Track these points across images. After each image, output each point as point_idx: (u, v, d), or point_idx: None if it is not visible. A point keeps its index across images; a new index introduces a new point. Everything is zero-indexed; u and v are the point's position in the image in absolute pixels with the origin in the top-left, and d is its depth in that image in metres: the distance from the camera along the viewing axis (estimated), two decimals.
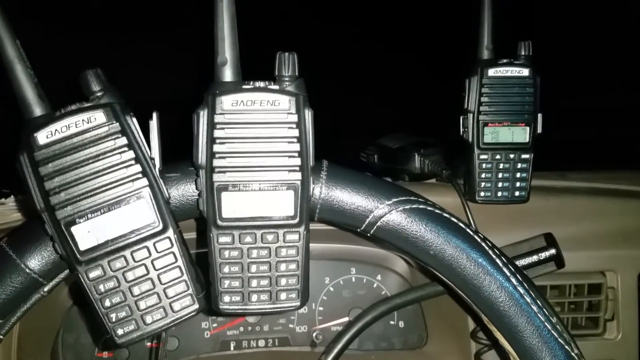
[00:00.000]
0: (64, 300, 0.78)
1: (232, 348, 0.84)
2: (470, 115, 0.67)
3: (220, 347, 0.84)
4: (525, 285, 0.44)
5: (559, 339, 0.43)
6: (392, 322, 0.86)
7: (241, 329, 0.84)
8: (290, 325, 0.85)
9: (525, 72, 0.66)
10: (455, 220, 0.44)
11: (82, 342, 0.81)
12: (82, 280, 0.38)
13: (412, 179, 0.80)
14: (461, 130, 0.68)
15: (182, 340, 0.81)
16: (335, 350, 0.66)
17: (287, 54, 0.40)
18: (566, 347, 0.43)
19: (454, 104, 0.71)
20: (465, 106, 0.67)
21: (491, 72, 0.66)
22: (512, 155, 0.67)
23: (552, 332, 0.43)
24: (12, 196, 0.77)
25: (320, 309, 0.85)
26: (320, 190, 0.43)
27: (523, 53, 0.66)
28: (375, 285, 0.86)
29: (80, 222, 0.37)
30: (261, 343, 0.85)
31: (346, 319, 0.84)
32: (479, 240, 0.44)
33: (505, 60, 0.66)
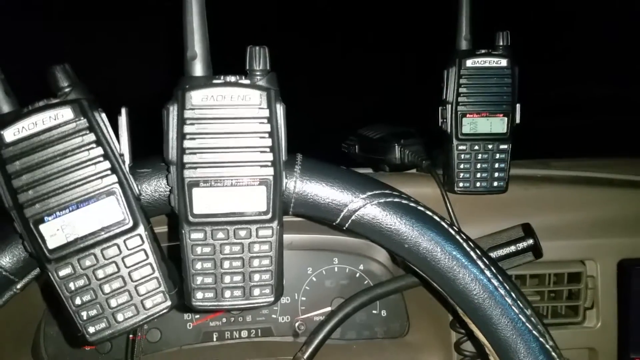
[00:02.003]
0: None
1: (214, 339, 0.84)
2: (449, 106, 0.67)
3: (203, 338, 0.84)
4: (500, 277, 0.44)
5: (534, 331, 0.43)
6: (374, 312, 0.86)
7: (224, 320, 0.84)
8: (273, 316, 0.85)
9: (503, 62, 0.66)
10: (430, 213, 0.44)
11: (64, 333, 0.80)
12: (52, 279, 0.38)
13: (392, 169, 0.80)
14: (440, 120, 0.68)
15: (165, 332, 0.81)
16: (317, 341, 0.66)
17: (258, 47, 0.39)
18: (540, 339, 0.43)
19: (433, 95, 0.71)
20: (444, 97, 0.67)
21: (469, 62, 0.65)
22: (490, 146, 0.68)
23: (527, 324, 0.43)
24: None
25: (303, 299, 0.86)
26: (295, 184, 0.43)
27: (501, 43, 0.66)
28: (357, 275, 0.86)
29: (48, 220, 0.37)
30: (244, 334, 0.85)
31: (329, 308, 0.85)
32: (453, 233, 0.44)
33: (483, 51, 0.66)
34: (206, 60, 0.39)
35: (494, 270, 0.44)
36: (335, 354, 0.80)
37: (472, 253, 0.44)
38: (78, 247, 0.37)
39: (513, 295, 0.44)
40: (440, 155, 0.72)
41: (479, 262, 0.44)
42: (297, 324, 0.84)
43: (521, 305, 0.44)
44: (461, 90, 0.66)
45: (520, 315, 0.44)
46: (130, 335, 0.81)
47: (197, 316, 0.83)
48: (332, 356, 0.77)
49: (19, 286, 0.42)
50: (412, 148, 0.76)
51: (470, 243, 0.44)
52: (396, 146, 0.76)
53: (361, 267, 0.87)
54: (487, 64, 0.65)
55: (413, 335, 0.82)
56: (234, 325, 0.84)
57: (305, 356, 0.68)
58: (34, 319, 0.78)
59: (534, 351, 0.44)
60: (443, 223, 0.44)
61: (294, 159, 0.44)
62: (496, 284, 0.44)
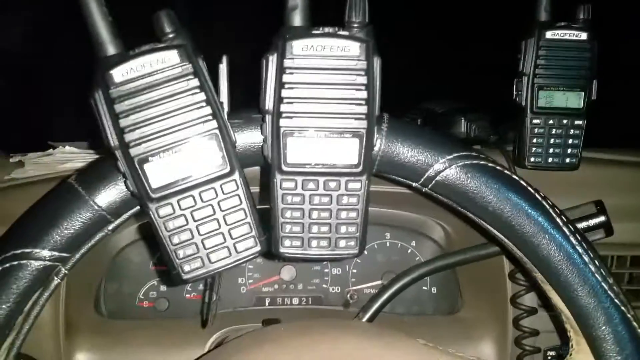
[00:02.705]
0: (108, 250, 0.80)
1: (267, 304, 0.86)
2: (525, 78, 0.66)
3: (256, 303, 0.85)
4: (584, 245, 0.43)
5: (615, 300, 0.43)
6: (424, 288, 0.86)
7: (276, 286, 0.86)
8: (324, 286, 0.86)
9: (583, 35, 0.64)
10: (516, 178, 0.44)
11: (123, 291, 0.83)
12: (153, 217, 0.39)
13: None
14: (514, 93, 0.67)
15: (220, 293, 0.82)
16: (378, 304, 0.67)
17: None
18: (622, 307, 0.43)
19: (499, 71, 0.69)
20: (521, 69, 0.66)
21: (549, 34, 0.64)
22: (565, 121, 0.66)
23: (609, 292, 0.43)
24: (59, 147, 0.78)
25: (354, 271, 0.86)
26: (381, 142, 0.43)
27: (582, 17, 0.65)
28: (409, 251, 0.86)
29: (152, 160, 0.38)
30: (295, 301, 0.86)
31: (379, 282, 0.85)
32: (539, 198, 0.44)
33: (563, 23, 0.65)
34: (306, 11, 0.39)
35: (579, 238, 0.44)
36: (387, 325, 0.81)
37: (558, 219, 0.43)
38: (179, 187, 0.38)
39: (597, 262, 0.43)
40: (508, 131, 0.71)
41: (565, 229, 0.43)
42: (348, 295, 0.85)
43: (604, 273, 0.44)
44: (539, 62, 0.65)
45: (603, 284, 0.43)
46: (187, 295, 0.84)
47: (251, 281, 0.85)
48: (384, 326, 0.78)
49: (111, 227, 0.43)
50: (478, 122, 0.75)
51: (557, 209, 0.44)
52: (462, 120, 0.76)
53: (413, 243, 0.87)
54: (567, 37, 0.64)
55: (466, 312, 0.82)
56: (286, 292, 0.86)
57: (365, 318, 0.68)
58: (97, 276, 0.81)
59: (614, 320, 0.43)
60: (530, 188, 0.44)
61: (381, 118, 0.44)
62: (581, 251, 0.43)
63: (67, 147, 0.79)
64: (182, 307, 0.83)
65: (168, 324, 0.79)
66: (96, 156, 0.76)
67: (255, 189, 0.65)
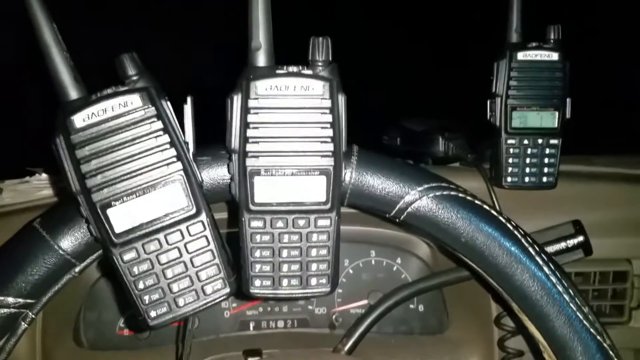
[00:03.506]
0: (86, 278, 0.78)
1: (251, 328, 0.84)
2: (499, 99, 0.66)
3: (240, 327, 0.84)
4: (558, 274, 0.43)
5: (591, 329, 0.43)
6: (411, 306, 0.86)
7: (260, 309, 0.85)
8: (310, 307, 0.85)
9: (554, 56, 0.64)
10: (487, 207, 0.44)
11: (103, 319, 0.82)
12: (117, 263, 0.38)
13: (435, 162, 0.79)
14: (488, 114, 0.67)
15: (202, 319, 0.81)
16: (357, 333, 0.66)
17: (320, 38, 0.39)
18: (598, 337, 0.43)
19: (476, 88, 0.69)
20: (494, 90, 0.66)
21: (520, 55, 0.64)
22: (540, 140, 0.67)
23: (584, 321, 0.43)
24: (36, 174, 0.78)
25: (340, 291, 0.86)
26: (351, 176, 0.43)
27: (552, 37, 0.65)
28: (395, 269, 0.86)
29: (115, 205, 0.37)
30: (280, 324, 0.85)
31: (365, 301, 0.84)
32: (511, 228, 0.43)
33: (534, 44, 0.65)
34: (270, 51, 0.39)
35: (552, 267, 0.43)
36: (373, 348, 0.80)
37: (530, 249, 0.43)
38: (143, 232, 0.38)
39: (571, 292, 0.43)
40: (486, 149, 0.71)
41: (537, 258, 0.43)
42: (334, 316, 0.84)
43: (579, 302, 0.43)
44: (512, 83, 0.65)
45: (577, 313, 0.43)
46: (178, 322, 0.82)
47: (234, 304, 0.84)
48: (370, 350, 0.77)
49: (77, 269, 0.43)
50: (456, 141, 0.75)
51: (529, 238, 0.44)
52: (440, 139, 0.76)
53: (399, 260, 0.86)
54: (538, 57, 0.64)
55: (453, 332, 0.82)
56: (270, 315, 0.85)
57: (346, 348, 0.68)
58: (76, 305, 0.79)
59: (591, 349, 0.43)
60: (501, 218, 0.44)
61: (350, 150, 0.44)
62: (554, 280, 0.43)
63: (44, 175, 0.78)
64: (164, 334, 0.82)
65: (149, 354, 0.78)
66: None
67: (223, 215, 0.65)
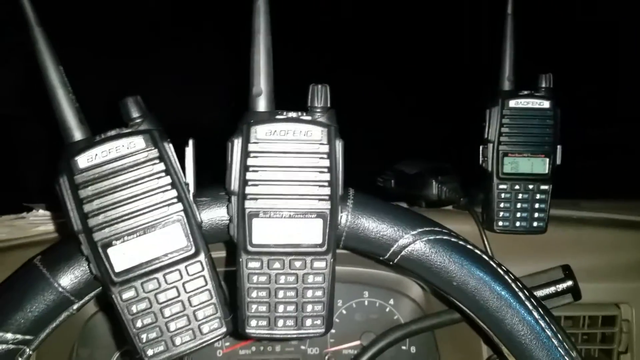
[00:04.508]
0: (80, 315, 0.78)
1: None
2: (490, 145, 0.68)
3: None
4: (547, 318, 0.44)
5: None
6: (403, 347, 0.85)
7: (253, 348, 0.84)
8: (302, 347, 0.85)
9: (545, 104, 0.66)
10: (479, 252, 0.45)
11: (96, 357, 0.81)
12: (115, 301, 0.39)
13: (428, 205, 0.80)
14: (480, 159, 0.69)
15: (194, 358, 0.81)
16: None
17: (319, 86, 0.41)
18: None
19: (468, 133, 0.71)
20: (486, 136, 0.68)
21: (512, 103, 0.66)
22: (531, 186, 0.68)
23: None
24: (33, 210, 0.78)
25: (333, 331, 0.85)
26: (347, 219, 0.44)
27: (544, 85, 0.67)
28: (387, 310, 0.86)
29: (116, 244, 0.38)
30: None
31: (358, 342, 0.84)
32: (502, 272, 0.45)
33: (526, 92, 0.67)
34: (270, 97, 0.41)
35: (541, 312, 0.44)
36: None
37: (520, 294, 0.44)
38: (142, 271, 0.39)
39: (559, 336, 0.44)
40: (478, 193, 0.72)
41: (527, 303, 0.44)
42: (327, 357, 0.84)
43: (567, 346, 0.44)
44: (503, 130, 0.67)
45: (565, 357, 0.44)
46: None
47: (227, 343, 0.84)
48: None
49: (75, 307, 0.43)
50: (449, 185, 0.76)
51: (519, 283, 0.45)
52: (434, 182, 0.77)
53: (391, 301, 0.86)
54: (529, 105, 0.66)
55: None
56: (263, 355, 0.84)
57: None
58: (69, 341, 0.79)
59: None
60: (492, 262, 0.45)
61: (346, 193, 0.45)
62: (544, 325, 0.44)
63: (41, 211, 0.79)
64: None
65: None
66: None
67: (221, 254, 0.65)
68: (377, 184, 0.90)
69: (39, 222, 0.78)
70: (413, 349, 0.85)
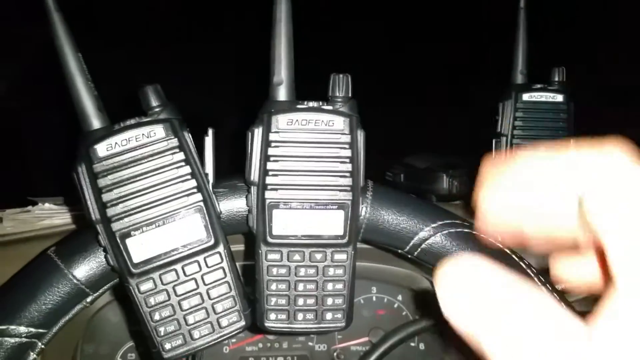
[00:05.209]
0: (85, 310, 0.77)
1: None
2: (504, 139, 0.67)
3: None
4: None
5: None
6: (412, 344, 0.85)
7: (260, 345, 0.84)
8: (310, 344, 0.84)
9: (559, 97, 0.66)
10: (499, 245, 0.44)
11: (100, 353, 0.80)
12: (133, 293, 0.38)
13: (439, 199, 0.80)
14: (493, 153, 0.68)
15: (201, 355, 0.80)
16: None
17: (341, 75, 0.40)
18: None
19: (479, 127, 0.71)
20: (499, 129, 0.67)
21: (525, 96, 0.66)
22: None
23: None
24: (38, 204, 0.77)
25: None
26: (366, 210, 0.43)
27: (557, 79, 0.67)
28: (396, 306, 0.85)
29: (135, 235, 0.37)
30: None
31: (366, 338, 0.83)
32: (524, 266, 0.44)
33: (539, 86, 0.66)
34: (291, 86, 0.40)
35: (564, 307, 0.44)
36: None
37: (543, 288, 0.43)
38: (161, 262, 0.38)
39: None
40: None
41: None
42: (335, 353, 0.83)
43: None
44: (517, 123, 0.66)
45: None
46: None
47: (234, 340, 0.83)
48: None
49: (89, 299, 0.42)
50: (460, 179, 0.76)
51: (541, 277, 0.44)
52: (444, 176, 0.76)
53: (400, 297, 0.86)
54: (543, 99, 0.66)
55: None
56: (270, 351, 0.84)
57: None
58: (74, 338, 0.78)
59: None
60: (514, 256, 0.44)
61: (365, 186, 0.44)
62: None
63: (46, 205, 0.78)
64: None
65: None
66: (74, 213, 0.75)
67: (240, 247, 0.65)
68: (385, 178, 0.90)
69: (44, 216, 0.77)
70: (422, 346, 0.85)
